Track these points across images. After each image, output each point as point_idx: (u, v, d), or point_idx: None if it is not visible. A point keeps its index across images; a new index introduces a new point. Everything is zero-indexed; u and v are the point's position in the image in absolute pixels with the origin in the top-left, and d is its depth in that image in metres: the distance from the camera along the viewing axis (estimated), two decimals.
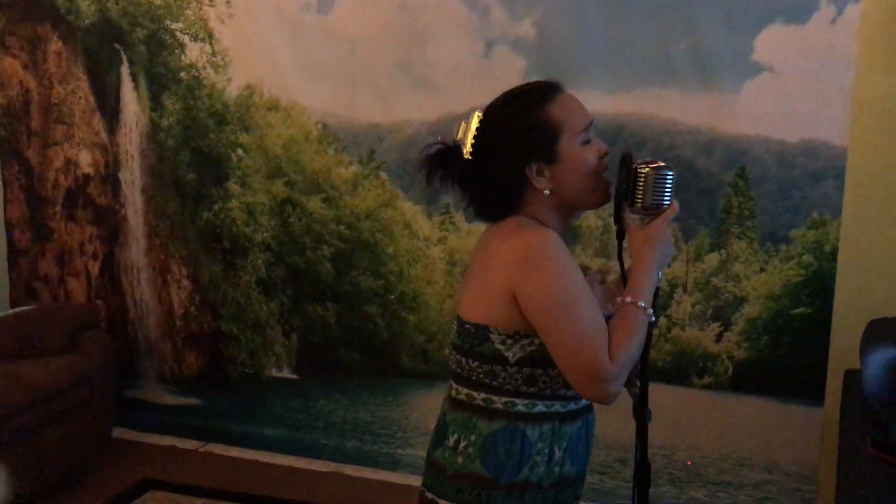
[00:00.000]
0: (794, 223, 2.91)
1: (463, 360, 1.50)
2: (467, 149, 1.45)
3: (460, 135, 1.48)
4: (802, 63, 2.82)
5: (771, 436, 3.03)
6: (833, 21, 2.78)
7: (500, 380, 1.45)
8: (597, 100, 2.98)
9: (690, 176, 3.00)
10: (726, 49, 2.87)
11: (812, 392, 2.93)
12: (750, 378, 3.03)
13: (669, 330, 3.12)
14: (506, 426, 1.45)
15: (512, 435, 1.45)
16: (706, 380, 3.08)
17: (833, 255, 2.87)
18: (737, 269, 3.00)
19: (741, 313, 3.02)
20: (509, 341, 1.43)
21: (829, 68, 2.78)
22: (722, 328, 3.05)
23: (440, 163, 1.49)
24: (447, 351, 1.61)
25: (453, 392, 1.54)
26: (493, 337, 1.44)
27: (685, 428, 3.13)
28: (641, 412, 1.54)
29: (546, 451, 1.46)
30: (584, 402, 1.52)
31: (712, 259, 3.03)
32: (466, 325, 1.48)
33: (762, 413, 3.03)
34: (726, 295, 3.03)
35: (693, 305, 3.08)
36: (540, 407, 1.46)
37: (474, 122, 1.47)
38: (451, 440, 1.49)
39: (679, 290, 3.09)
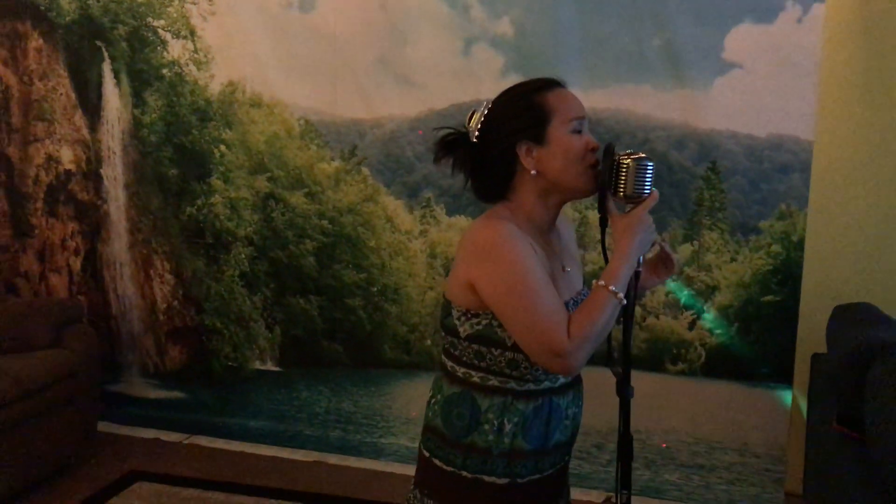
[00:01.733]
0: (763, 215, 3.03)
1: (441, 330, 1.65)
2: (474, 134, 1.58)
3: (473, 123, 1.59)
4: (770, 60, 2.95)
5: (742, 419, 3.15)
6: (799, 20, 2.90)
7: (458, 351, 1.59)
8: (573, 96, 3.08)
9: (663, 169, 3.10)
10: (697, 47, 2.99)
11: (780, 376, 3.06)
12: (721, 364, 3.15)
13: (644, 319, 3.22)
14: (461, 392, 1.59)
15: (463, 400, 1.58)
16: (680, 366, 3.19)
17: (800, 244, 2.99)
18: (709, 259, 3.12)
19: (713, 301, 3.13)
20: (462, 318, 1.56)
21: (796, 66, 2.91)
22: (695, 316, 3.16)
23: (450, 146, 1.61)
24: (429, 341, 1.76)
25: (441, 356, 1.69)
26: (453, 312, 1.58)
27: (660, 413, 3.24)
28: (624, 389, 1.62)
29: (495, 421, 1.56)
30: (545, 384, 1.59)
31: (685, 250, 3.14)
32: (443, 299, 1.63)
33: (733, 397, 3.16)
34: (699, 284, 3.14)
35: (667, 294, 3.19)
36: (493, 381, 1.57)
37: (483, 110, 1.59)
38: (430, 396, 1.67)
39: None
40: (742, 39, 2.95)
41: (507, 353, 1.53)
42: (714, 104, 3.00)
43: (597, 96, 3.09)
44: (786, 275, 3.03)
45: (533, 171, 1.55)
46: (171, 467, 3.40)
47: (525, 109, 1.56)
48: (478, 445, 1.57)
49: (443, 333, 1.63)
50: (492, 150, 1.57)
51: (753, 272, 3.07)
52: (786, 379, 3.06)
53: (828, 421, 2.42)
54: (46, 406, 3.17)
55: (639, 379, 3.30)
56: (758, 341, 3.10)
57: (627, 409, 1.65)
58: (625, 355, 1.62)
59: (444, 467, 1.60)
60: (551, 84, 1.60)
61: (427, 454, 1.64)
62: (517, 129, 1.55)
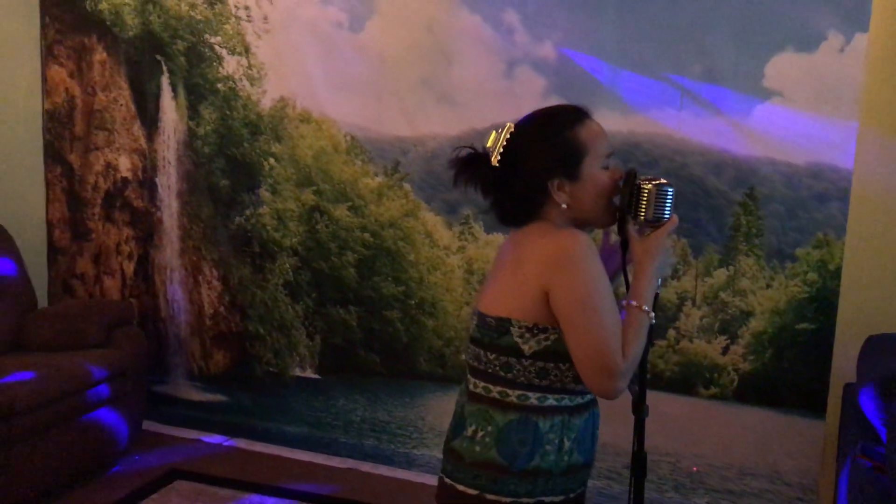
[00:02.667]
0: (800, 242, 3.03)
1: (481, 353, 1.62)
2: (496, 157, 1.59)
3: (490, 143, 1.61)
4: (811, 89, 2.96)
5: (773, 446, 3.14)
6: (841, 50, 2.91)
7: (514, 372, 1.57)
8: (613, 119, 3.13)
9: (701, 194, 3.13)
10: (738, 74, 3.02)
11: (814, 404, 3.05)
12: (754, 389, 3.14)
13: (678, 342, 3.24)
14: (519, 418, 1.57)
15: (525, 426, 1.57)
16: (712, 390, 3.20)
17: (837, 273, 2.99)
18: (744, 284, 3.12)
19: (747, 327, 3.14)
20: (527, 335, 1.54)
21: (837, 95, 2.92)
22: (728, 341, 3.17)
23: (468, 167, 1.62)
24: (464, 350, 1.74)
25: (471, 385, 1.66)
26: (513, 329, 1.55)
27: (691, 436, 3.24)
28: (640, 408, 1.67)
29: (556, 441, 1.58)
30: (589, 396, 1.64)
31: (720, 274, 3.16)
32: (488, 319, 1.59)
33: (765, 424, 3.15)
34: (733, 309, 3.15)
35: (701, 318, 3.20)
36: (550, 401, 1.58)
37: (505, 133, 1.60)
38: (469, 431, 1.61)
39: (688, 303, 3.22)
40: (783, 68, 2.97)
41: (574, 367, 1.53)
42: (753, 131, 3.02)
43: (635, 121, 3.14)
44: (821, 303, 3.02)
45: (564, 206, 1.58)
46: (210, 467, 3.52)
47: (559, 147, 1.57)
48: (541, 469, 1.57)
49: (489, 356, 1.59)
50: (519, 180, 1.59)
51: (789, 299, 3.07)
52: (819, 408, 3.05)
53: (857, 452, 2.42)
54: (94, 403, 3.31)
55: (670, 402, 3.36)
56: (792, 369, 3.09)
57: (642, 428, 1.68)
58: (641, 375, 1.66)
59: (502, 499, 1.58)
60: (581, 115, 1.62)
61: (475, 492, 1.59)
62: (551, 166, 1.57)
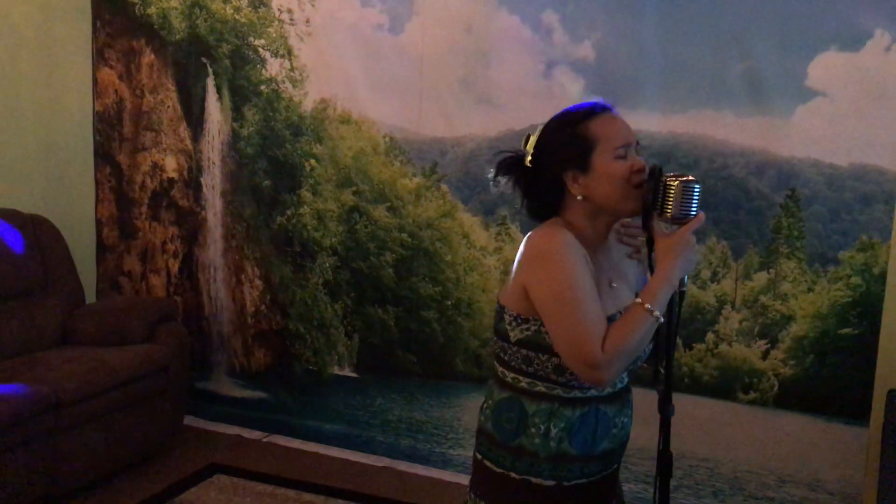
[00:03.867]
0: (843, 245, 2.97)
1: (494, 336, 1.73)
2: (528, 158, 1.67)
3: (525, 146, 1.69)
4: (855, 89, 2.90)
5: (814, 453, 3.07)
6: (888, 49, 2.85)
7: (507, 356, 1.67)
8: (652, 120, 3.12)
9: (741, 196, 3.09)
10: (780, 74, 2.97)
11: (857, 412, 2.98)
12: (795, 395, 3.08)
13: (717, 346, 3.19)
14: (510, 397, 1.67)
15: (512, 404, 1.66)
16: (752, 395, 3.15)
17: (881, 277, 2.91)
18: (785, 288, 3.07)
19: (788, 332, 3.08)
20: (514, 322, 1.64)
21: (883, 94, 2.86)
22: (769, 345, 3.12)
23: (507, 169, 1.71)
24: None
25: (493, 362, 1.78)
26: (506, 317, 1.65)
27: (729, 441, 3.19)
28: (665, 407, 1.65)
29: (542, 426, 1.64)
30: (591, 392, 1.65)
31: (761, 277, 3.11)
32: (497, 305, 1.71)
33: (806, 430, 3.09)
34: (774, 313, 3.09)
35: (741, 322, 3.15)
36: (540, 387, 1.65)
37: (536, 134, 1.68)
38: (483, 401, 1.76)
39: (727, 306, 3.17)
40: (826, 67, 2.91)
41: (553, 358, 1.60)
42: (795, 132, 2.97)
43: (676, 121, 3.11)
44: (865, 308, 2.95)
45: (579, 197, 1.63)
46: (249, 462, 3.58)
47: (570, 139, 1.63)
48: (526, 448, 1.65)
49: (495, 338, 1.72)
50: (542, 176, 1.66)
51: (831, 303, 3.00)
52: (862, 415, 2.98)
53: None
54: (138, 397, 3.39)
55: (709, 406, 3.32)
56: (834, 374, 3.02)
57: (668, 428, 1.67)
58: (666, 374, 1.65)
59: (495, 469, 1.69)
60: (597, 110, 1.65)
61: (479, 456, 1.74)
62: (563, 158, 1.63)
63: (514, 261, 1.68)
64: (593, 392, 1.65)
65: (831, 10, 2.89)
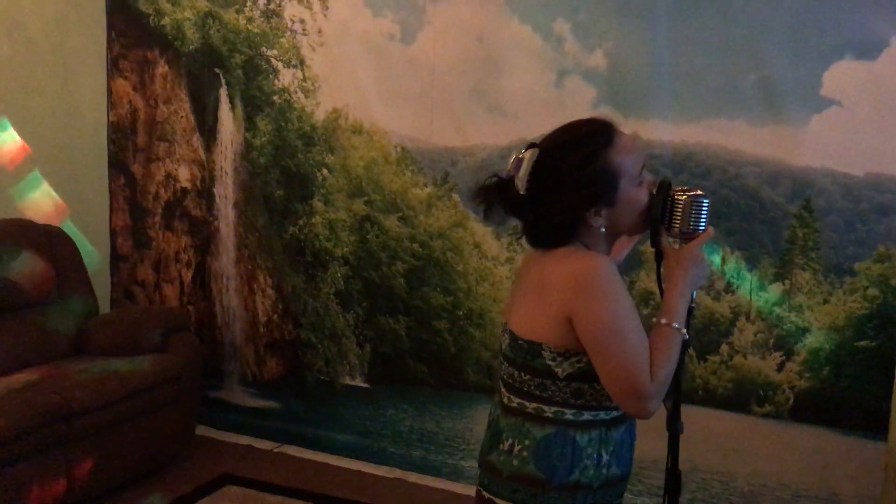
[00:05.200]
0: (859, 256, 2.93)
1: (515, 372, 1.60)
2: (523, 185, 1.51)
3: (511, 169, 1.55)
4: (871, 98, 2.86)
5: (831, 468, 3.02)
6: None
7: (549, 392, 1.56)
8: (665, 129, 3.09)
9: (755, 206, 3.05)
10: (794, 83, 2.93)
11: (874, 425, 2.92)
12: (811, 408, 3.04)
13: (731, 358, 3.15)
14: (557, 432, 1.55)
15: (563, 440, 1.55)
16: (767, 408, 3.10)
17: None
18: (800, 299, 3.03)
19: (804, 344, 3.04)
20: (559, 358, 1.53)
21: None
22: (784, 358, 3.07)
23: (495, 195, 1.58)
24: (497, 363, 1.73)
25: (505, 399, 1.64)
26: (545, 354, 1.54)
27: (744, 455, 3.15)
28: (674, 424, 1.63)
29: (595, 455, 1.56)
30: None
31: (776, 289, 3.07)
32: (520, 341, 1.58)
33: (822, 444, 3.04)
34: (789, 325, 3.05)
35: (755, 334, 3.11)
36: (586, 416, 1.56)
37: (530, 159, 1.53)
38: (506, 444, 1.59)
39: (742, 318, 3.13)
40: (842, 76, 2.87)
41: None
42: (810, 141, 2.93)
43: (688, 130, 3.08)
44: (883, 320, 2.90)
45: (602, 230, 1.55)
46: (260, 473, 3.57)
47: (594, 178, 1.52)
48: (581, 483, 1.55)
49: (524, 376, 1.57)
50: (552, 209, 1.53)
51: (847, 315, 2.95)
52: (880, 429, 2.92)
53: None
54: (150, 407, 3.40)
55: (723, 419, 3.28)
56: (850, 387, 2.97)
57: (676, 444, 1.64)
58: (675, 390, 1.62)
59: None
60: (609, 136, 1.55)
61: None
62: (588, 199, 1.52)
63: (530, 285, 1.58)
64: None
65: (846, 18, 2.85)
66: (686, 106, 3.08)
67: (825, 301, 2.99)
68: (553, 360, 1.53)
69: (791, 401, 3.07)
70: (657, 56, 3.11)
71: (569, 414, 1.55)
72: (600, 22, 3.19)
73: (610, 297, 1.48)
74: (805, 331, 3.03)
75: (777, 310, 3.07)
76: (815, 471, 3.05)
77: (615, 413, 1.59)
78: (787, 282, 3.05)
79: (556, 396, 1.55)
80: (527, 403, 1.58)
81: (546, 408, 1.56)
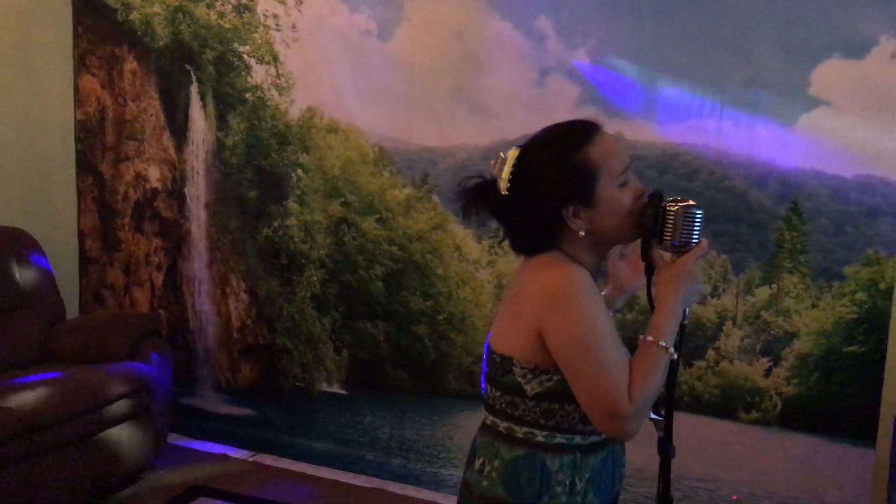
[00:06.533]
0: (848, 260, 2.86)
1: (489, 387, 1.54)
2: (504, 185, 1.47)
3: (496, 170, 1.49)
4: (860, 98, 2.80)
5: (819, 475, 2.97)
6: (893, 56, 2.74)
7: (519, 411, 1.48)
8: (649, 130, 3.02)
9: (742, 208, 2.98)
10: (782, 82, 2.86)
11: (862, 432, 2.87)
12: (798, 415, 2.98)
13: (717, 363, 3.09)
14: (526, 454, 1.48)
15: (531, 463, 1.47)
16: (754, 415, 3.04)
17: (888, 293, 2.81)
18: (788, 303, 2.96)
19: (791, 349, 2.98)
20: (529, 375, 1.46)
21: (888, 104, 2.75)
22: (771, 363, 3.01)
23: (477, 197, 1.52)
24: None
25: (483, 416, 1.58)
26: (516, 370, 1.46)
27: (731, 462, 3.09)
28: (665, 448, 1.54)
29: (567, 481, 1.47)
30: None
31: (763, 293, 3.00)
32: (494, 355, 1.52)
33: (810, 451, 2.98)
34: (776, 330, 2.99)
35: (742, 339, 3.05)
36: (559, 439, 1.48)
37: (511, 159, 1.47)
38: (478, 463, 1.53)
39: (728, 322, 3.06)
40: (830, 75, 2.81)
41: (581, 408, 1.43)
42: (798, 142, 2.86)
43: (673, 131, 3.00)
44: (872, 325, 2.84)
45: (582, 233, 1.47)
46: (234, 483, 3.46)
47: (569, 172, 1.45)
48: None
49: (495, 392, 1.51)
50: (532, 210, 1.46)
51: (836, 320, 2.89)
52: (869, 437, 2.87)
53: None
54: (120, 417, 3.27)
55: (710, 426, 3.21)
56: (839, 394, 2.91)
57: (668, 470, 1.56)
58: (667, 411, 1.53)
59: None
60: (590, 133, 1.48)
61: None
62: (563, 194, 1.45)
63: (508, 296, 1.53)
64: None
65: (835, 17, 2.79)
66: (672, 105, 3.00)
67: (813, 305, 2.93)
68: (523, 376, 1.46)
69: (778, 407, 3.01)
70: (642, 54, 3.03)
71: (540, 436, 1.47)
72: (583, 19, 3.11)
73: (583, 312, 1.40)
74: (793, 336, 2.97)
75: (764, 314, 3.01)
76: (802, 478, 2.99)
77: (594, 438, 1.50)
78: (774, 286, 2.98)
79: (526, 416, 1.48)
80: (499, 422, 1.52)
81: (517, 428, 1.49)
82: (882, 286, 2.82)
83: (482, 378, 1.59)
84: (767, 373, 3.02)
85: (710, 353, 3.08)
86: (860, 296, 2.86)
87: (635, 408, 1.38)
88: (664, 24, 2.98)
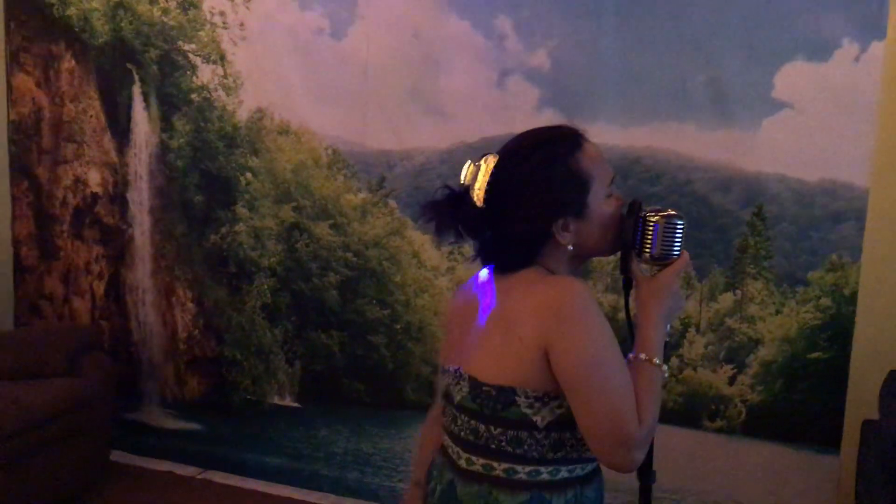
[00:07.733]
0: (813, 265, 2.83)
1: (481, 427, 1.36)
2: (480, 195, 1.34)
3: (468, 179, 1.36)
4: (824, 101, 2.76)
5: (784, 483, 2.93)
6: (856, 59, 2.71)
7: (525, 447, 1.33)
8: (611, 132, 2.94)
9: (706, 213, 2.93)
10: (746, 84, 2.82)
11: (828, 440, 2.84)
12: (763, 422, 2.94)
13: (681, 371, 3.03)
14: (531, 497, 1.33)
15: None
16: (718, 423, 2.99)
17: (852, 298, 2.78)
18: (752, 310, 2.92)
19: (756, 356, 2.93)
20: (538, 404, 1.31)
21: (852, 107, 2.72)
22: (735, 370, 2.96)
23: (448, 211, 1.38)
24: (445, 409, 1.48)
25: (463, 462, 1.39)
26: (520, 400, 1.32)
27: (695, 472, 3.03)
28: (646, 473, 1.46)
29: None
30: (596, 462, 1.42)
31: (727, 299, 2.95)
32: (485, 388, 1.35)
33: (776, 459, 2.94)
34: (740, 336, 2.94)
35: (706, 346, 2.99)
36: (563, 473, 1.35)
37: (487, 168, 1.35)
38: None
39: (692, 329, 3.01)
40: (794, 78, 2.77)
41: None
42: (762, 146, 2.81)
43: (636, 134, 2.93)
44: (836, 331, 2.81)
45: (570, 247, 1.36)
46: (182, 502, 3.29)
47: (561, 182, 1.34)
48: None
49: (493, 430, 1.34)
50: (515, 222, 1.35)
51: (800, 326, 2.86)
52: (834, 444, 2.84)
53: (879, 493, 2.22)
54: (59, 435, 3.10)
55: (674, 435, 3.14)
56: (804, 401, 2.88)
57: (649, 496, 1.47)
58: None
59: None
60: (577, 139, 1.39)
61: None
62: (555, 205, 1.34)
63: (493, 318, 1.36)
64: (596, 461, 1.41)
65: (798, 19, 2.75)
66: (634, 108, 2.94)
67: (777, 312, 2.89)
68: (530, 406, 1.31)
69: (743, 415, 2.96)
70: (604, 55, 2.95)
71: (545, 473, 1.33)
72: (544, 19, 3.02)
73: (593, 329, 1.27)
74: (757, 342, 2.93)
75: (728, 321, 2.96)
76: (767, 486, 2.95)
77: (590, 467, 1.39)
78: (738, 292, 2.94)
79: (532, 451, 1.33)
80: (494, 465, 1.35)
81: (519, 468, 1.34)
82: (846, 291, 2.79)
83: (456, 413, 1.41)
84: (732, 380, 2.97)
85: (674, 360, 3.02)
86: (824, 301, 2.83)
87: (646, 432, 1.28)
88: (626, 25, 2.91)
